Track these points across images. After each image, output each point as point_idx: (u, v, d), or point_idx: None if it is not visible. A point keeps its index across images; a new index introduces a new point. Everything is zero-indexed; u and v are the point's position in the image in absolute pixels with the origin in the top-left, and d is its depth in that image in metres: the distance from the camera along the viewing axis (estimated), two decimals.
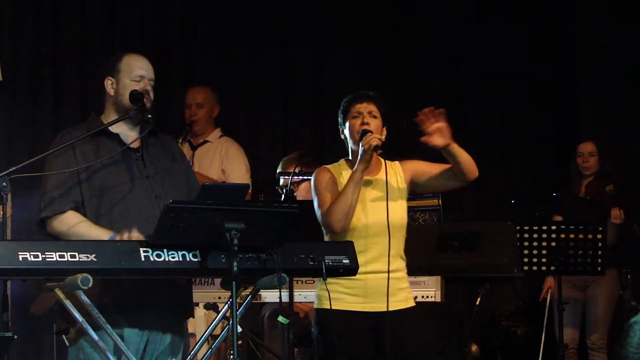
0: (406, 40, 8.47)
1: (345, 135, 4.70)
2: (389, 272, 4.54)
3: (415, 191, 4.79)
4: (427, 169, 4.71)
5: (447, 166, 4.66)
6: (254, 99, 8.41)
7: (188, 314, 4.40)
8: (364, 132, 4.56)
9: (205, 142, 7.00)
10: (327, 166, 4.72)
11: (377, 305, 4.56)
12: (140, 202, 4.19)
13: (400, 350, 4.54)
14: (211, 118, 7.05)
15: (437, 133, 4.48)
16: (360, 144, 4.52)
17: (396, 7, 8.44)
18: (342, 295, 4.56)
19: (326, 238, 4.66)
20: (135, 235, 4.00)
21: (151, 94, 4.31)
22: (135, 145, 4.31)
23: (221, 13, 8.43)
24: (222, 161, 6.89)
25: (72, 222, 4.12)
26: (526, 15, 8.42)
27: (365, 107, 4.63)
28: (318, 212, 4.60)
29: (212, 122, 7.06)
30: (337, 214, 4.49)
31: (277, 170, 6.09)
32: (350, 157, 4.71)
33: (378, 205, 4.60)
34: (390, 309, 4.51)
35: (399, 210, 4.64)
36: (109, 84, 4.32)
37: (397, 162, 4.75)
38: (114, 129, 4.28)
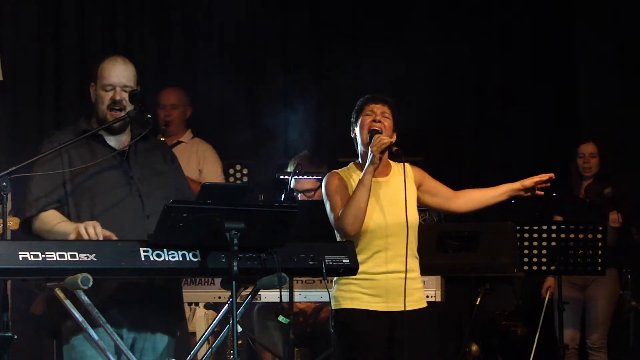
0: (405, 40, 8.47)
1: (355, 134, 4.71)
2: (406, 271, 4.55)
3: None
4: (434, 187, 4.80)
5: (447, 191, 4.79)
6: (253, 98, 8.40)
7: (176, 315, 4.35)
8: (373, 133, 4.59)
9: (179, 142, 7.06)
10: (337, 171, 4.74)
11: (395, 305, 4.58)
12: (125, 202, 4.16)
13: (414, 349, 4.55)
14: (184, 119, 7.13)
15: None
16: (370, 148, 4.55)
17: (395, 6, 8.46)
18: (360, 295, 4.58)
19: (340, 239, 4.64)
20: (97, 230, 3.92)
21: (125, 103, 4.20)
22: (123, 146, 4.27)
23: (221, 14, 8.43)
24: (199, 161, 6.97)
25: (52, 221, 4.09)
26: (527, 13, 8.41)
27: (379, 108, 4.67)
28: (331, 217, 4.61)
29: (185, 123, 7.14)
30: (349, 217, 4.50)
31: (289, 170, 6.18)
32: (359, 160, 4.71)
33: (393, 205, 4.62)
34: (406, 309, 4.54)
35: (413, 210, 4.66)
36: (92, 90, 4.27)
37: (407, 164, 4.74)
38: (102, 132, 4.24)
